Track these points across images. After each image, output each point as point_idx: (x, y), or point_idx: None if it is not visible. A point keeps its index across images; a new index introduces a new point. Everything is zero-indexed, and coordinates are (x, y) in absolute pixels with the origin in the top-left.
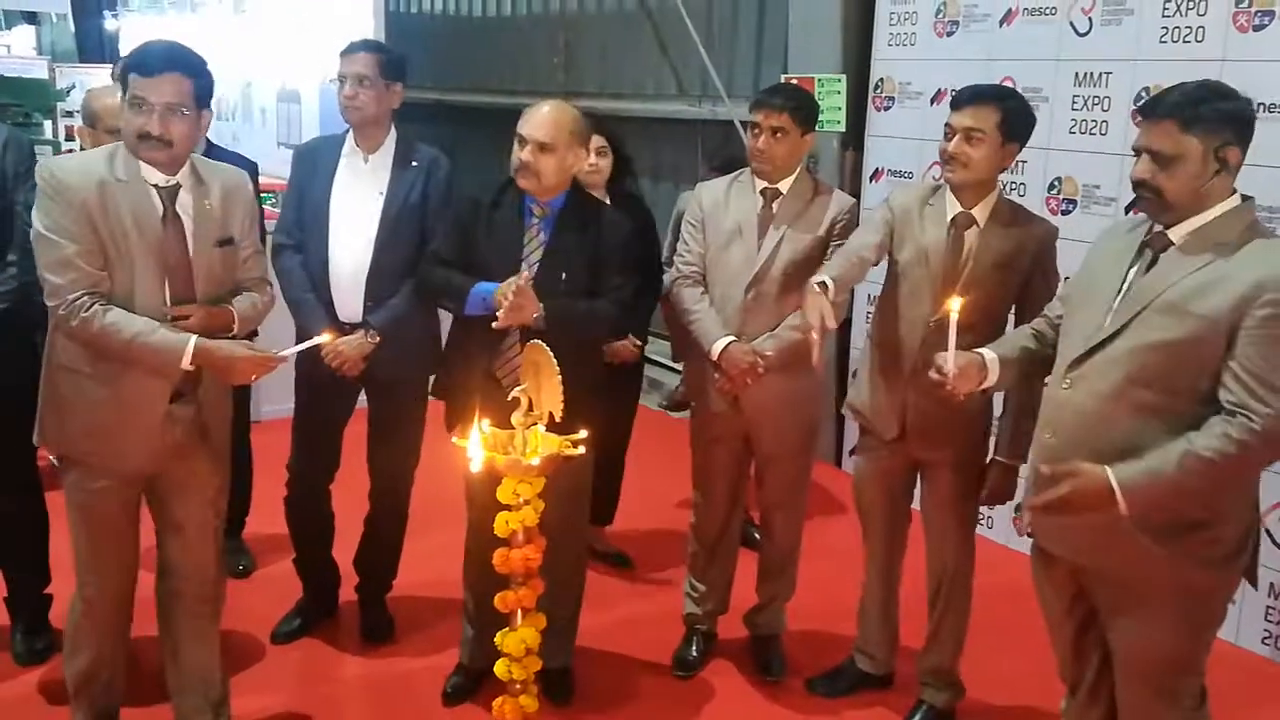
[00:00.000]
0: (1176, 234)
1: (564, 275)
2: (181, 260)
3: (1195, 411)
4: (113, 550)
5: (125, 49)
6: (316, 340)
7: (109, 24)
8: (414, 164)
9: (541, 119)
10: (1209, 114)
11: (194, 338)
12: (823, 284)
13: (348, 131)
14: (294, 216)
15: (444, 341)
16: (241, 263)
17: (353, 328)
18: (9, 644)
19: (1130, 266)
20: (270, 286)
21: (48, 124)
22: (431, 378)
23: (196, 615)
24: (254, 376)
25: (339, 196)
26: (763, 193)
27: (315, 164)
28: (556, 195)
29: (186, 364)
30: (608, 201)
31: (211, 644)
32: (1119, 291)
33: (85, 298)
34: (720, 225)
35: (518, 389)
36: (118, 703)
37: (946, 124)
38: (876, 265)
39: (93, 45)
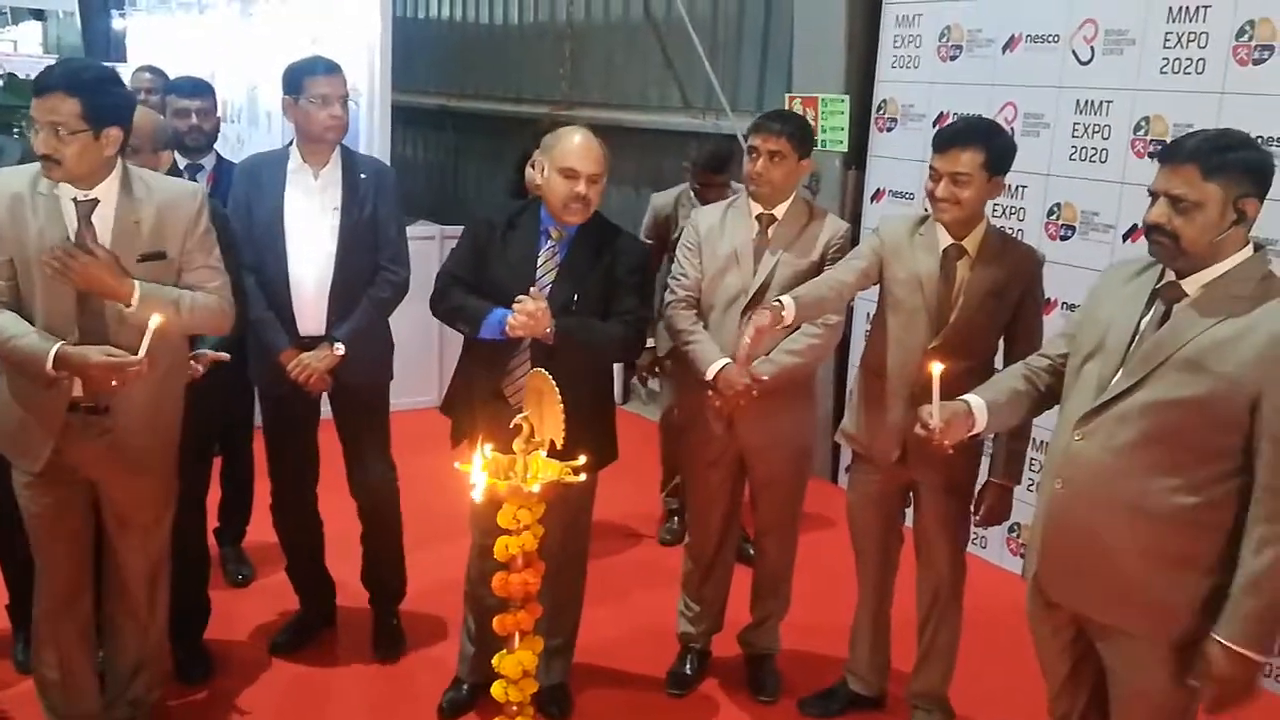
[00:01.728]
0: (1190, 285)
1: (576, 296)
2: None
3: (1208, 467)
4: (52, 550)
5: (133, 48)
6: (151, 329)
7: (117, 23)
8: (362, 176)
9: (591, 153)
10: (1233, 162)
11: (58, 344)
12: (779, 303)
13: (289, 146)
14: (243, 235)
15: (393, 347)
16: (188, 274)
17: (314, 341)
18: (9, 652)
19: (1142, 316)
20: (226, 302)
21: None
22: (439, 395)
23: (128, 614)
24: (113, 382)
25: (292, 213)
26: (758, 218)
27: (260, 182)
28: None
29: (49, 368)
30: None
31: (141, 643)
32: (1130, 342)
33: None
34: (716, 250)
35: (520, 416)
36: (86, 706)
37: (931, 166)
38: (863, 290)
39: (100, 43)
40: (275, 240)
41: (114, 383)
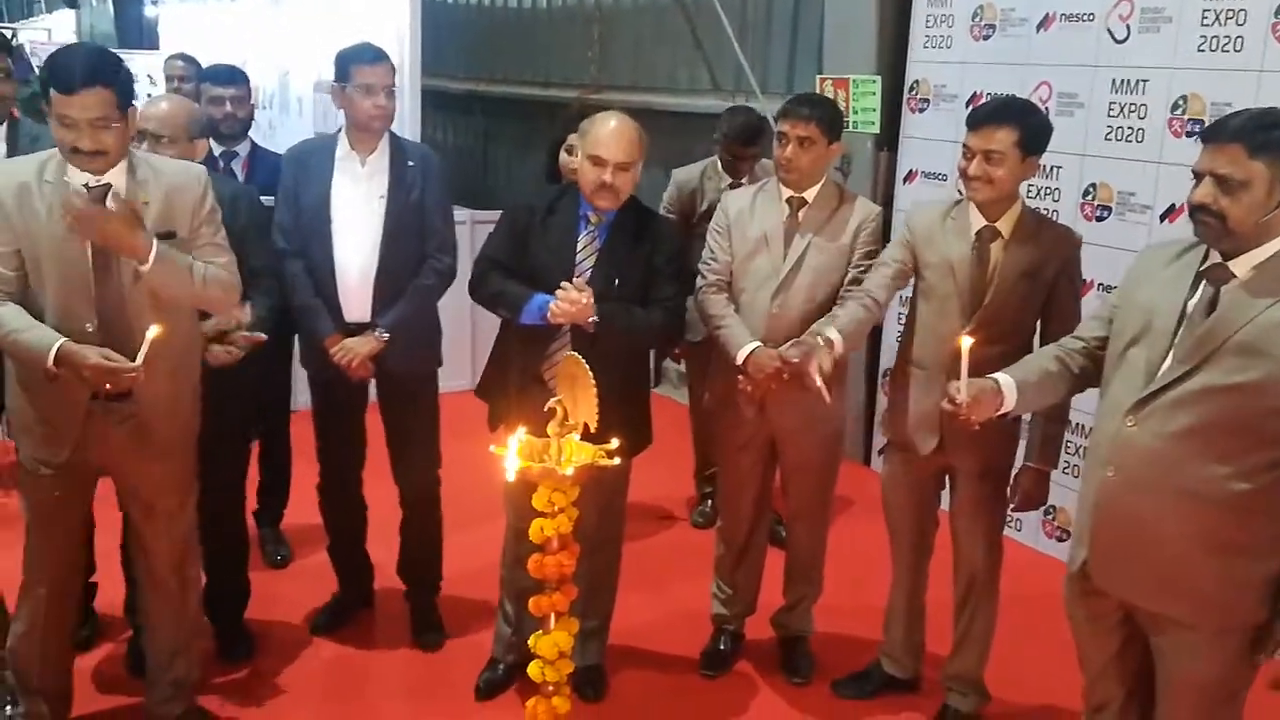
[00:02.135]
0: (1239, 267)
1: (616, 282)
2: (107, 255)
3: (1262, 453)
4: (51, 540)
5: (165, 36)
6: (149, 339)
7: (149, 10)
8: (410, 164)
9: (621, 140)
10: (1278, 140)
11: (60, 342)
12: (828, 340)
13: (338, 133)
14: (290, 222)
15: (440, 336)
16: (194, 252)
17: (359, 328)
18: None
19: (1187, 299)
20: (235, 278)
21: None
22: (473, 379)
23: (162, 599)
24: (107, 385)
25: (339, 201)
26: (788, 201)
27: (308, 168)
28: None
29: (50, 364)
30: None
31: (176, 626)
32: (1178, 326)
33: None
34: (746, 233)
35: (553, 400)
36: (63, 684)
37: (965, 144)
38: (902, 289)
39: (132, 30)
40: (322, 227)
41: (107, 386)
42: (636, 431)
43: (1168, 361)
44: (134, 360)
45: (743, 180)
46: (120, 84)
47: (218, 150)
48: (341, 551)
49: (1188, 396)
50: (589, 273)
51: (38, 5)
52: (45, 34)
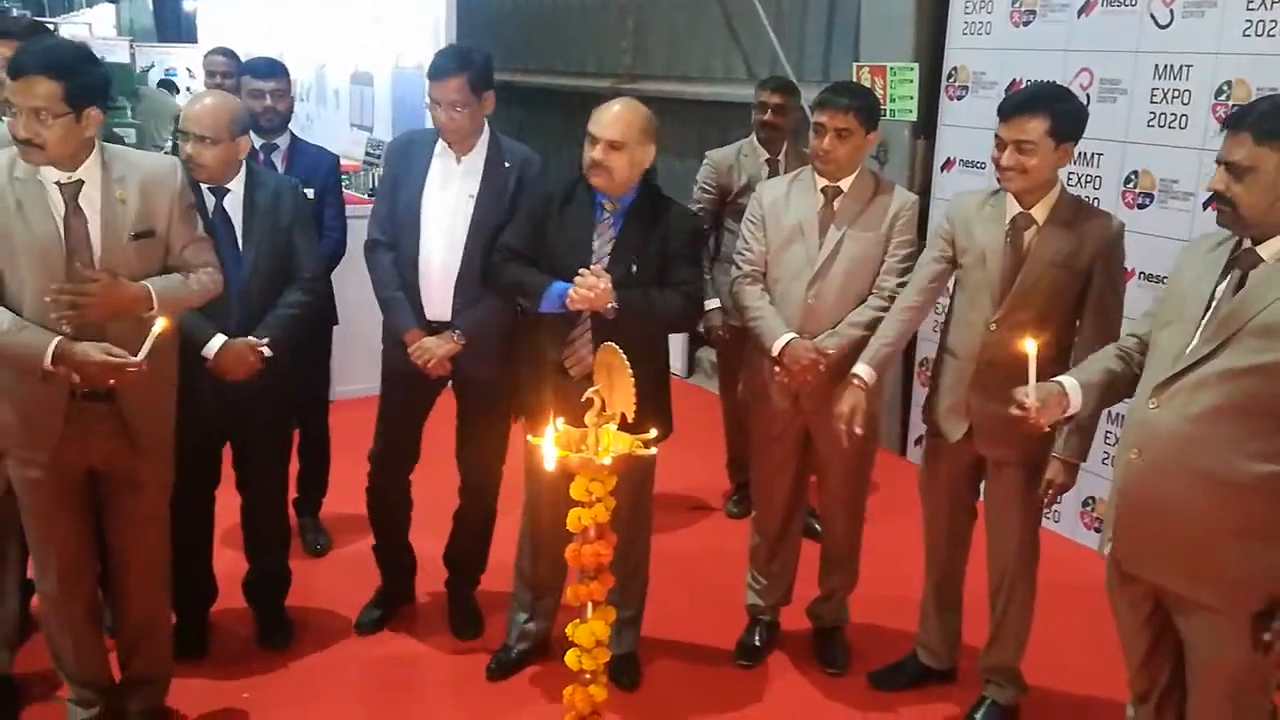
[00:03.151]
0: (1266, 251)
1: (634, 269)
2: (85, 255)
3: None
4: (51, 539)
5: (203, 29)
6: (154, 334)
7: (187, 4)
8: (505, 164)
9: (612, 118)
10: None
11: (56, 339)
12: (861, 381)
13: None
14: (387, 212)
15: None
16: (179, 251)
17: (440, 326)
18: None
19: (1217, 284)
20: (217, 271)
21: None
22: None
23: (142, 596)
24: (110, 380)
25: (431, 196)
26: (824, 191)
27: (408, 160)
28: (628, 191)
29: (47, 364)
30: None
31: (154, 624)
32: (1206, 310)
33: None
34: (781, 223)
35: (591, 389)
36: (99, 672)
37: (996, 135)
38: (947, 282)
39: (171, 24)
40: (413, 221)
41: (111, 381)
42: (657, 420)
43: (1193, 344)
44: (136, 355)
45: (779, 157)
46: (74, 80)
47: (258, 143)
48: (386, 549)
49: (1210, 378)
50: (606, 259)
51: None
52: (86, 28)
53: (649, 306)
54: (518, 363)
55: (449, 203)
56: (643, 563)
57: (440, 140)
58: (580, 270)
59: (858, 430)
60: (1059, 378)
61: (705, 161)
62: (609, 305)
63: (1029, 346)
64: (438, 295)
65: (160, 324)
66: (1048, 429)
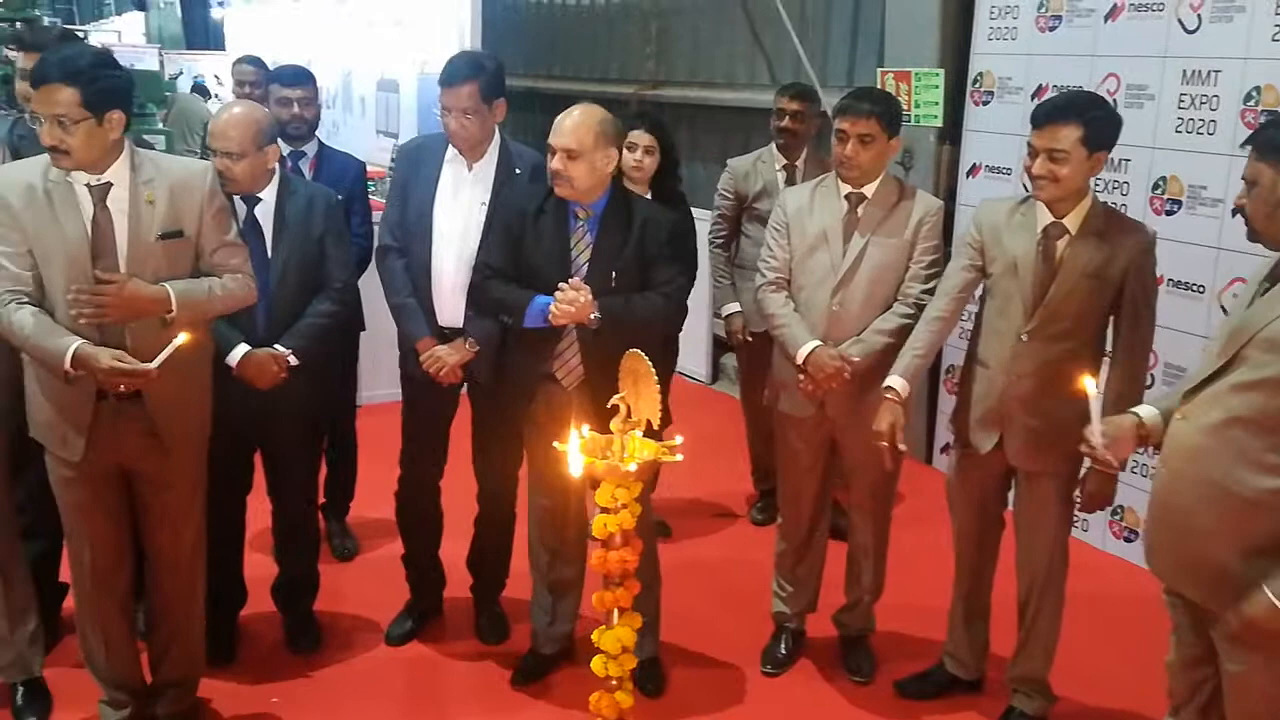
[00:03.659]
0: None
1: (614, 274)
2: (111, 256)
3: None
4: (85, 535)
5: (230, 37)
6: (174, 345)
7: (215, 13)
8: (517, 171)
9: (567, 127)
10: (1269, 139)
11: (76, 343)
12: (895, 391)
13: None
14: (397, 218)
15: None
16: (209, 254)
17: (452, 333)
18: None
19: (1254, 297)
20: (250, 278)
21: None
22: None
23: (175, 597)
24: (121, 386)
25: (442, 203)
26: (847, 198)
27: (418, 166)
28: (597, 197)
29: (67, 367)
30: (649, 198)
31: (186, 626)
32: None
33: (5, 294)
34: (805, 230)
35: (616, 396)
36: (130, 671)
37: (1029, 143)
38: (974, 290)
39: (199, 32)
40: (424, 227)
41: (121, 386)
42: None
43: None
44: (152, 361)
45: (797, 164)
46: (91, 85)
47: (285, 150)
48: (416, 559)
49: (1223, 390)
50: (585, 268)
51: (108, 7)
52: (115, 36)
53: (631, 312)
54: (510, 374)
55: (461, 211)
56: (653, 568)
57: (451, 147)
58: (560, 285)
59: (901, 447)
60: (1135, 408)
61: (725, 169)
62: (591, 316)
63: (1089, 385)
64: (449, 302)
65: (182, 336)
66: (1120, 467)
